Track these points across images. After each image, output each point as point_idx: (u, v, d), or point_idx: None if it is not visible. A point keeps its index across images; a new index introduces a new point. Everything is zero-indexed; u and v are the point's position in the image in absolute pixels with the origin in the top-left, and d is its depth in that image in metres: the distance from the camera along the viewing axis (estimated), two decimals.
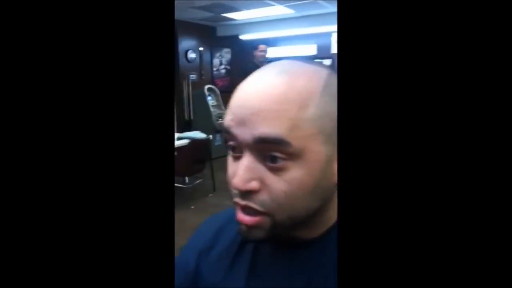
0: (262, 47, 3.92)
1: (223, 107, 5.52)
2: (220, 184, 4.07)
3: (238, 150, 0.39)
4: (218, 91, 5.61)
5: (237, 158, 0.39)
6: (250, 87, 0.38)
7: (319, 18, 4.69)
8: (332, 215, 0.43)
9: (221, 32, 5.86)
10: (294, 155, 0.36)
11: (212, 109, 5.37)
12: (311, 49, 5.61)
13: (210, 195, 3.92)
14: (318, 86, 0.37)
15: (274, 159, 0.36)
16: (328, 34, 5.18)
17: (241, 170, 0.37)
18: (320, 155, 0.37)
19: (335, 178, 0.39)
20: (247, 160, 0.37)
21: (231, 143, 0.39)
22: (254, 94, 0.36)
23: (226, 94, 5.82)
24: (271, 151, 0.36)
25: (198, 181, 4.05)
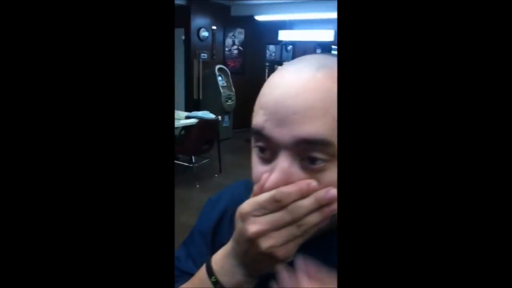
0: None
1: (233, 89, 5.47)
2: (226, 165, 4.07)
3: (269, 152, 0.35)
4: (228, 72, 5.54)
5: (266, 160, 0.36)
6: (286, 83, 0.34)
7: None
8: None
9: (235, 11, 5.74)
10: (334, 155, 0.33)
11: (221, 90, 5.31)
12: (328, 35, 5.46)
13: (216, 175, 3.92)
14: None
15: (313, 161, 0.33)
16: None
17: (277, 173, 0.33)
18: None
19: None
20: (283, 162, 0.34)
21: (260, 144, 0.36)
22: (294, 91, 0.33)
23: (236, 75, 5.75)
24: (311, 152, 0.33)
25: (205, 161, 4.05)
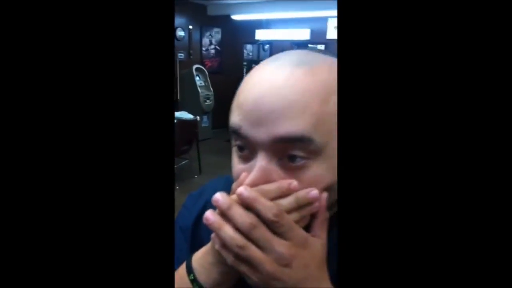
0: None
1: (211, 88, 5.43)
2: (206, 166, 4.04)
3: (247, 150, 0.35)
4: (206, 72, 5.50)
5: (245, 159, 0.36)
6: (264, 81, 0.33)
7: (313, 2, 4.61)
8: None
9: (212, 11, 5.70)
10: (315, 153, 0.33)
11: (200, 90, 5.27)
12: (304, 34, 5.53)
13: (196, 176, 3.89)
14: (336, 78, 0.33)
15: (293, 159, 0.33)
16: (323, 19, 5.10)
17: (256, 172, 0.33)
18: None
19: None
20: (262, 161, 0.33)
21: (239, 143, 0.35)
22: (272, 89, 0.32)
23: (214, 75, 5.72)
24: (290, 150, 0.33)
25: (184, 162, 4.00)
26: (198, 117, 3.90)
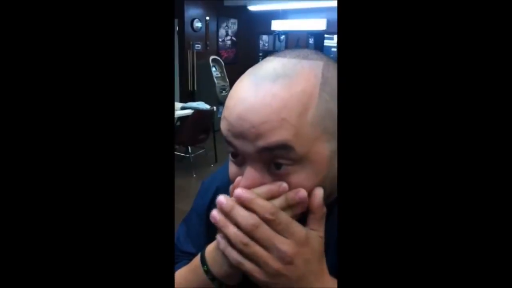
0: None
1: (227, 79, 5.50)
2: (222, 155, 4.14)
3: (239, 157, 0.38)
4: (222, 63, 5.56)
5: (238, 164, 0.39)
6: (245, 99, 0.36)
7: None
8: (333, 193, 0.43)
9: (228, 2, 5.72)
10: (298, 159, 0.35)
11: (216, 80, 5.35)
12: (320, 24, 5.49)
13: (212, 165, 4.01)
14: (316, 86, 0.36)
15: (278, 166, 0.35)
16: None
17: (245, 181, 0.36)
18: (324, 154, 0.36)
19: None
20: (250, 170, 0.36)
21: (231, 150, 0.38)
22: (251, 106, 0.35)
23: (230, 65, 5.77)
24: (275, 158, 0.35)
25: (201, 151, 4.12)
26: (214, 108, 3.98)
